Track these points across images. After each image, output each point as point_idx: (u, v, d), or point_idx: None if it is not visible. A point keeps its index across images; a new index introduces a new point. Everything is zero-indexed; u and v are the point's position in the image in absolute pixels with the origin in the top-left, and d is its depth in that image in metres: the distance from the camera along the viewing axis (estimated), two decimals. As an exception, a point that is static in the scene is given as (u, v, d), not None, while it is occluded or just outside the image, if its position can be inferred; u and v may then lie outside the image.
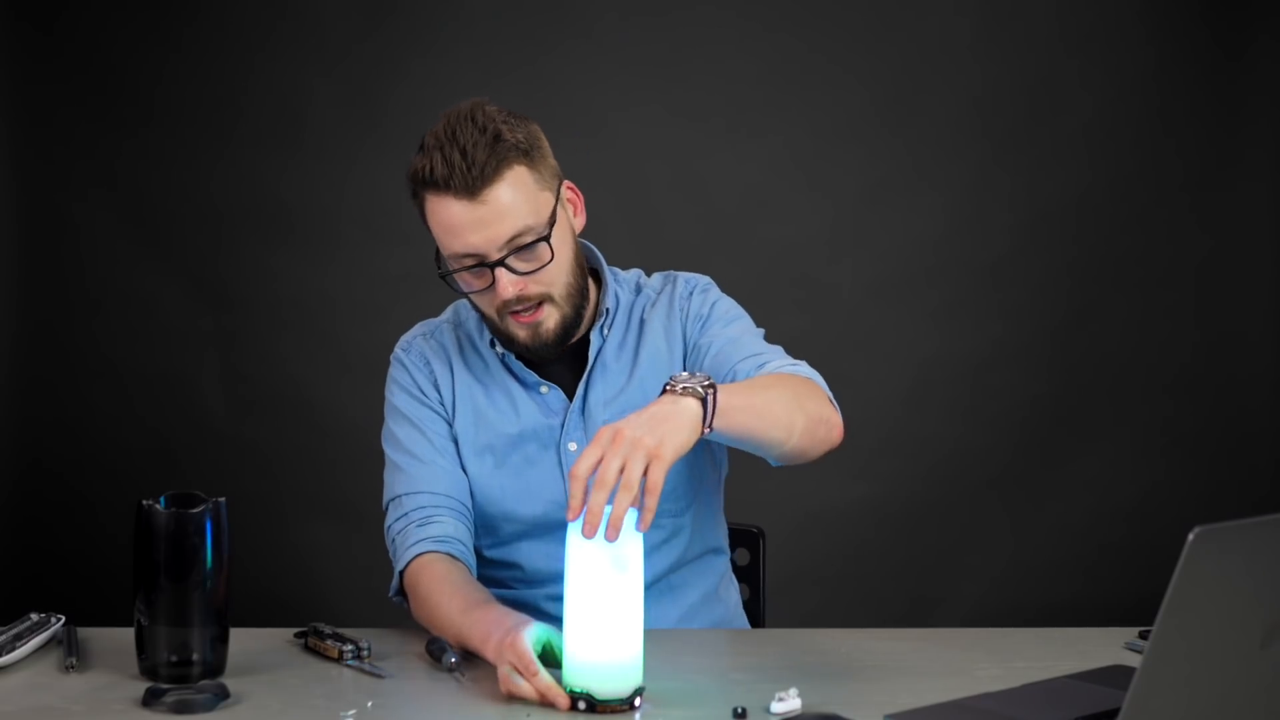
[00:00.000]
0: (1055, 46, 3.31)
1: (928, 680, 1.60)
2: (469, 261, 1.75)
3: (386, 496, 1.90)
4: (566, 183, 1.83)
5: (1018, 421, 3.32)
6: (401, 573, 1.80)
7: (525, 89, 3.19)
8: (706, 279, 1.98)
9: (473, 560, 1.83)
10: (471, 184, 1.71)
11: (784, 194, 3.30)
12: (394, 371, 1.95)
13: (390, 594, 1.85)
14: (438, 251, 1.81)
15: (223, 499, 1.62)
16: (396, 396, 1.93)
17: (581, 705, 1.47)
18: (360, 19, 3.21)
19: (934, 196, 3.31)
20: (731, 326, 1.90)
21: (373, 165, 3.22)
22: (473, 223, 1.73)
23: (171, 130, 3.20)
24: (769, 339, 2.03)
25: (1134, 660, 1.66)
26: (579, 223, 1.86)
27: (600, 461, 1.45)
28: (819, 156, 3.30)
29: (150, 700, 1.48)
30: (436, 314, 2.03)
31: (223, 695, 1.49)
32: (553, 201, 1.78)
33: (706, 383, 1.53)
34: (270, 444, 3.22)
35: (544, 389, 1.89)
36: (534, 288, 1.76)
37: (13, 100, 3.19)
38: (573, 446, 1.88)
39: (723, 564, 2.02)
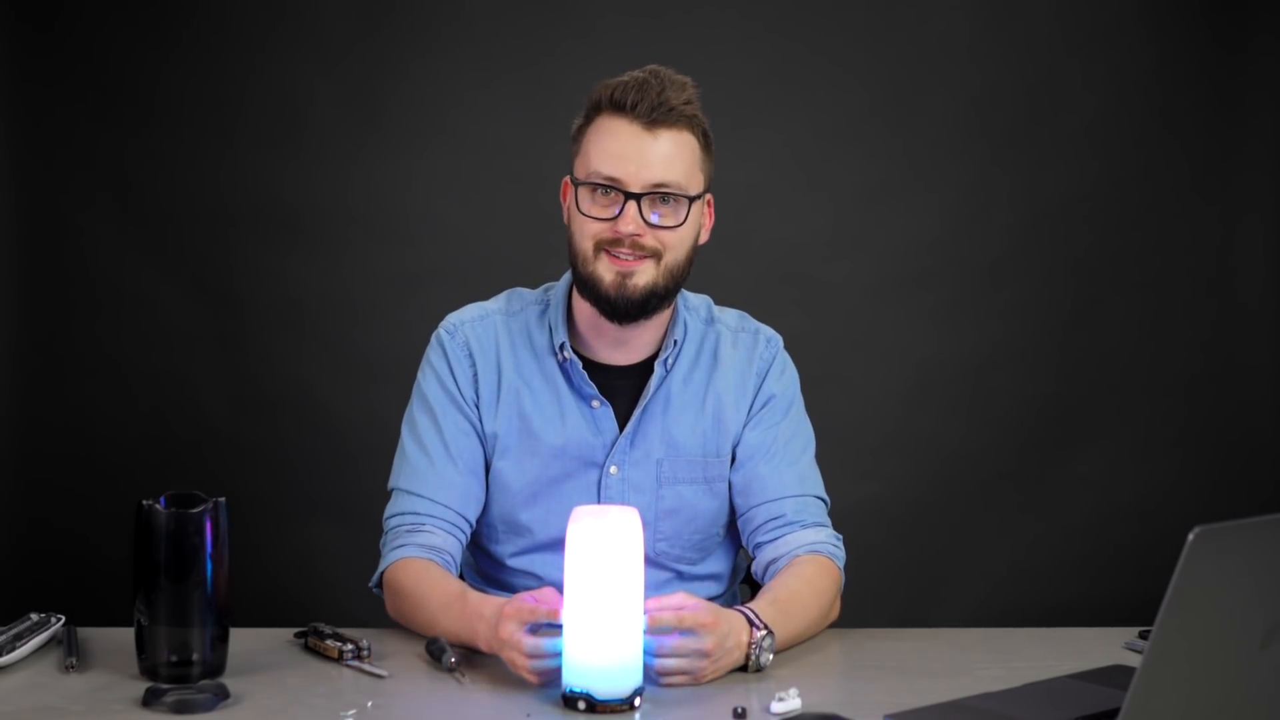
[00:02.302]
0: (1055, 46, 3.30)
1: (928, 680, 1.60)
2: (606, 182, 1.78)
3: (391, 481, 1.90)
4: (709, 195, 1.88)
5: (1018, 422, 3.32)
6: (383, 572, 1.83)
7: (525, 89, 3.20)
8: (780, 341, 2.01)
9: (455, 574, 1.84)
10: (654, 118, 1.77)
11: (784, 194, 3.30)
12: (431, 354, 1.93)
13: (370, 584, 1.86)
14: (573, 177, 1.84)
15: (223, 499, 1.62)
16: (426, 381, 1.91)
17: (581, 705, 1.48)
18: (360, 19, 3.21)
19: (934, 196, 3.31)
20: (793, 443, 1.94)
21: (373, 165, 3.22)
22: (636, 151, 1.76)
23: (172, 130, 3.20)
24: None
25: (1134, 660, 1.66)
26: (703, 235, 1.89)
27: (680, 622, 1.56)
28: (819, 156, 3.30)
29: (150, 700, 1.48)
30: (438, 316, 2.00)
31: (223, 695, 1.49)
32: (703, 187, 1.84)
33: (772, 643, 1.65)
34: (271, 444, 3.21)
35: (596, 403, 1.88)
36: (651, 241, 1.78)
37: (12, 99, 3.19)
38: (614, 470, 1.88)
39: (730, 598, 2.03)
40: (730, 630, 1.60)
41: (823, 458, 2.01)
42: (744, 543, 1.95)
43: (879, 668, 1.68)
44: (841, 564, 1.90)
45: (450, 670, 1.61)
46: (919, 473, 3.31)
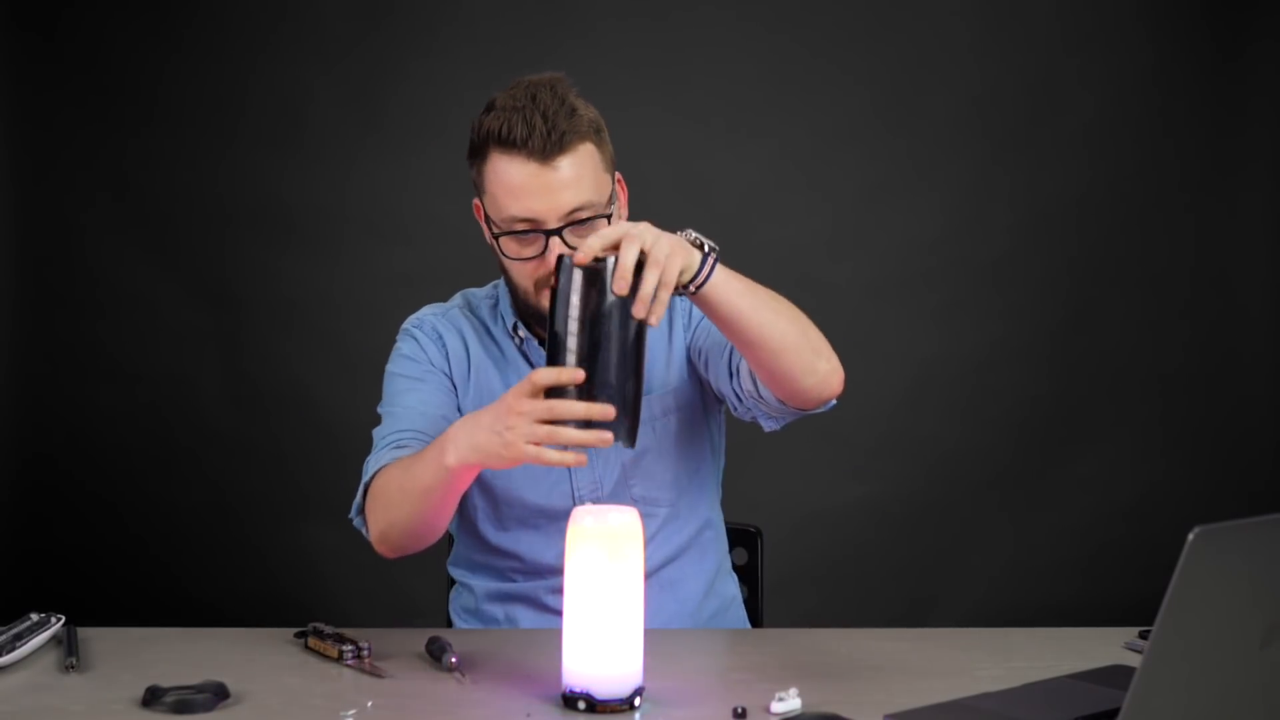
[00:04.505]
0: (1055, 47, 3.31)
1: (928, 680, 1.60)
2: (523, 226, 1.75)
3: (373, 447, 1.87)
4: (617, 174, 1.85)
5: (1017, 421, 3.33)
6: (367, 485, 1.78)
7: (525, 89, 3.20)
8: None
9: None
10: (547, 148, 1.72)
11: (784, 194, 3.31)
12: (401, 344, 1.94)
13: (351, 513, 1.83)
14: (487, 216, 1.81)
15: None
16: (398, 364, 1.92)
17: (581, 705, 1.48)
18: (360, 19, 3.21)
19: (934, 196, 3.31)
20: None
21: (373, 165, 3.22)
22: (539, 187, 1.73)
23: (172, 131, 3.21)
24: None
25: (1134, 660, 1.66)
26: (623, 215, 1.87)
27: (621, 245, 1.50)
28: (819, 157, 3.30)
29: (150, 700, 1.48)
30: (437, 312, 2.03)
31: (222, 695, 1.49)
32: (611, 184, 1.81)
33: (712, 245, 1.58)
34: (271, 444, 3.21)
35: None
36: None
37: (14, 102, 3.19)
38: None
39: (719, 557, 2.03)
40: (638, 224, 1.55)
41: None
42: (731, 369, 1.86)
43: (879, 668, 1.67)
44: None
45: (450, 670, 1.61)
46: (919, 472, 3.31)
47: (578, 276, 1.50)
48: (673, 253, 1.52)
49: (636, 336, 1.50)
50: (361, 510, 1.81)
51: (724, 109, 3.29)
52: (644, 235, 1.52)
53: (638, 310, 1.49)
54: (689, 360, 1.93)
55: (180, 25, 3.20)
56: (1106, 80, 3.31)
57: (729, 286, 1.61)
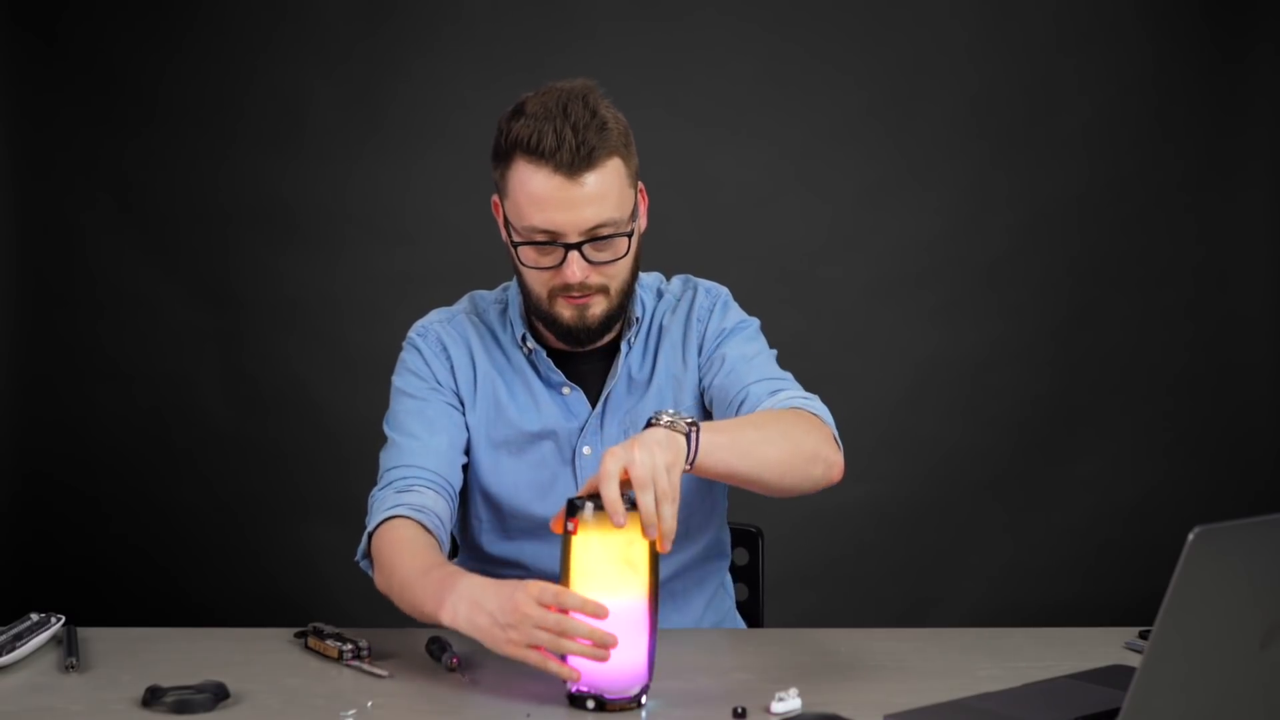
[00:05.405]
0: (1053, 47, 3.31)
1: (928, 680, 1.60)
2: (542, 237, 1.74)
3: (379, 474, 1.87)
4: (640, 184, 1.84)
5: (1017, 421, 3.33)
6: (371, 534, 1.77)
7: (526, 90, 3.19)
8: (726, 292, 1.98)
9: (446, 537, 1.80)
10: (575, 163, 1.71)
11: (783, 195, 3.31)
12: (406, 355, 1.93)
13: (356, 557, 1.82)
14: (506, 219, 1.80)
15: None
16: (404, 379, 1.91)
17: (590, 705, 1.48)
18: (361, 20, 3.21)
19: (933, 197, 3.31)
20: (749, 345, 1.91)
21: (374, 166, 3.22)
22: (564, 201, 1.71)
23: (173, 131, 3.21)
24: (769, 339, 2.03)
25: (1134, 660, 1.66)
26: (643, 224, 1.86)
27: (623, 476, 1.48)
28: (818, 157, 3.31)
29: (150, 700, 1.48)
30: (439, 313, 2.02)
31: (223, 695, 1.50)
32: (634, 198, 1.79)
33: (689, 421, 1.55)
34: (272, 444, 3.22)
35: (566, 390, 1.88)
36: (597, 278, 1.77)
37: (14, 102, 3.20)
38: (587, 451, 1.88)
39: (723, 570, 2.03)
40: (618, 447, 1.52)
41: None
42: None
43: (879, 668, 1.68)
44: (823, 416, 1.78)
45: (450, 670, 1.61)
46: (918, 473, 3.31)
47: (595, 521, 1.48)
48: (671, 466, 1.50)
49: (651, 563, 1.50)
50: (367, 554, 1.80)
51: (723, 110, 3.30)
52: (646, 470, 1.48)
53: (663, 548, 1.49)
54: (700, 386, 1.92)
55: (181, 26, 3.20)
56: (1105, 81, 3.31)
57: (715, 447, 1.59)
